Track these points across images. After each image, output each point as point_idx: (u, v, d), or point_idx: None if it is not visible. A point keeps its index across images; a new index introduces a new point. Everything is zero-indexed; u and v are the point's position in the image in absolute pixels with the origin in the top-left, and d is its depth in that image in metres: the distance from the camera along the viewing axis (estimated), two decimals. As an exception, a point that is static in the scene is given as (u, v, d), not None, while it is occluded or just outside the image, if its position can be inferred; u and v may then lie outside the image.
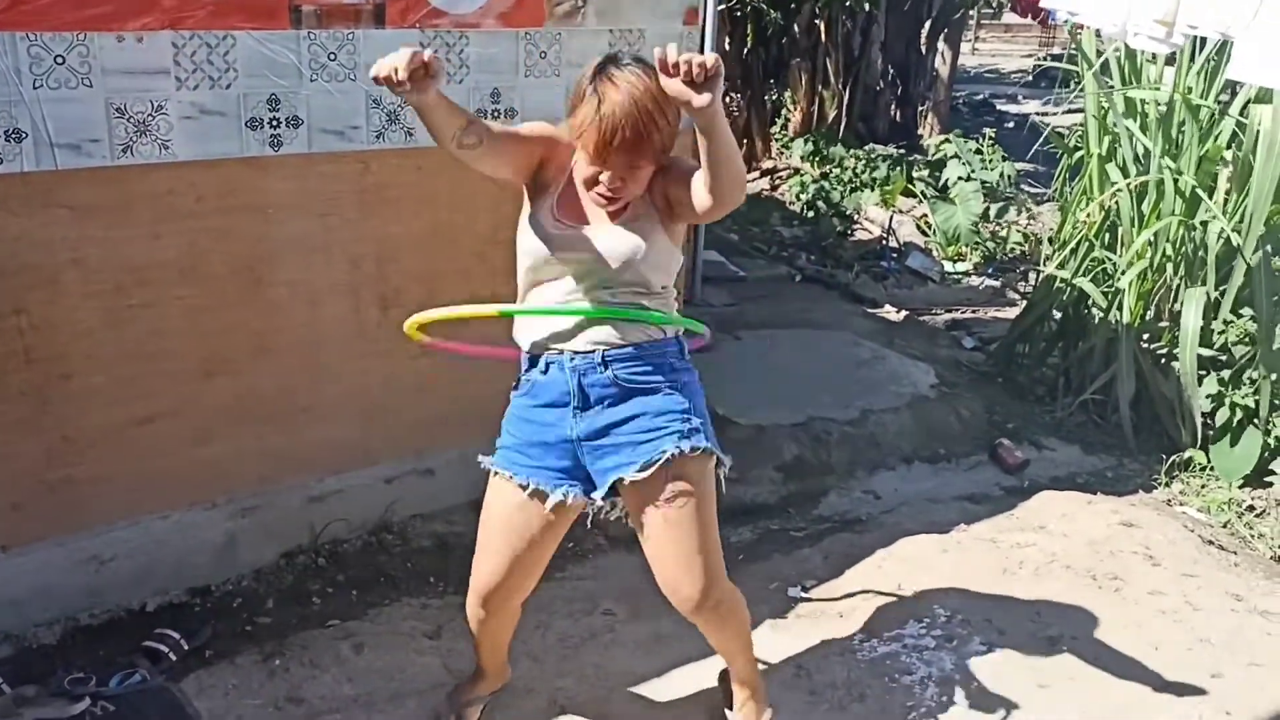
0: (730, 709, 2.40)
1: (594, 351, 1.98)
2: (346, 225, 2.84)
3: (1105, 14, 3.60)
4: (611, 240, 1.96)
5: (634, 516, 2.07)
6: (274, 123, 2.65)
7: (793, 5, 7.74)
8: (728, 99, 8.60)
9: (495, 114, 2.98)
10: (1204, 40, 4.06)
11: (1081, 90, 4.59)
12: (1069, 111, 10.10)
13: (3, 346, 2.42)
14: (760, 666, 2.46)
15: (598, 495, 2.05)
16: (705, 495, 2.03)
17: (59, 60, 2.33)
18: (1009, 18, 16.16)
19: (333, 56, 2.68)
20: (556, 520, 2.09)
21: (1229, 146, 4.13)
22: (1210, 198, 4.03)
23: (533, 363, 2.06)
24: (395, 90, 1.68)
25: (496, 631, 2.30)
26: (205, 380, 2.72)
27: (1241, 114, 4.10)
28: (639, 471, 1.99)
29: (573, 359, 1.99)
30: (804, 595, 2.98)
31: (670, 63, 1.60)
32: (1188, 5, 3.24)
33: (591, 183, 1.92)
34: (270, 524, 2.90)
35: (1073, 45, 5.09)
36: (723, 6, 6.42)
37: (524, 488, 2.07)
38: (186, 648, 2.56)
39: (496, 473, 2.12)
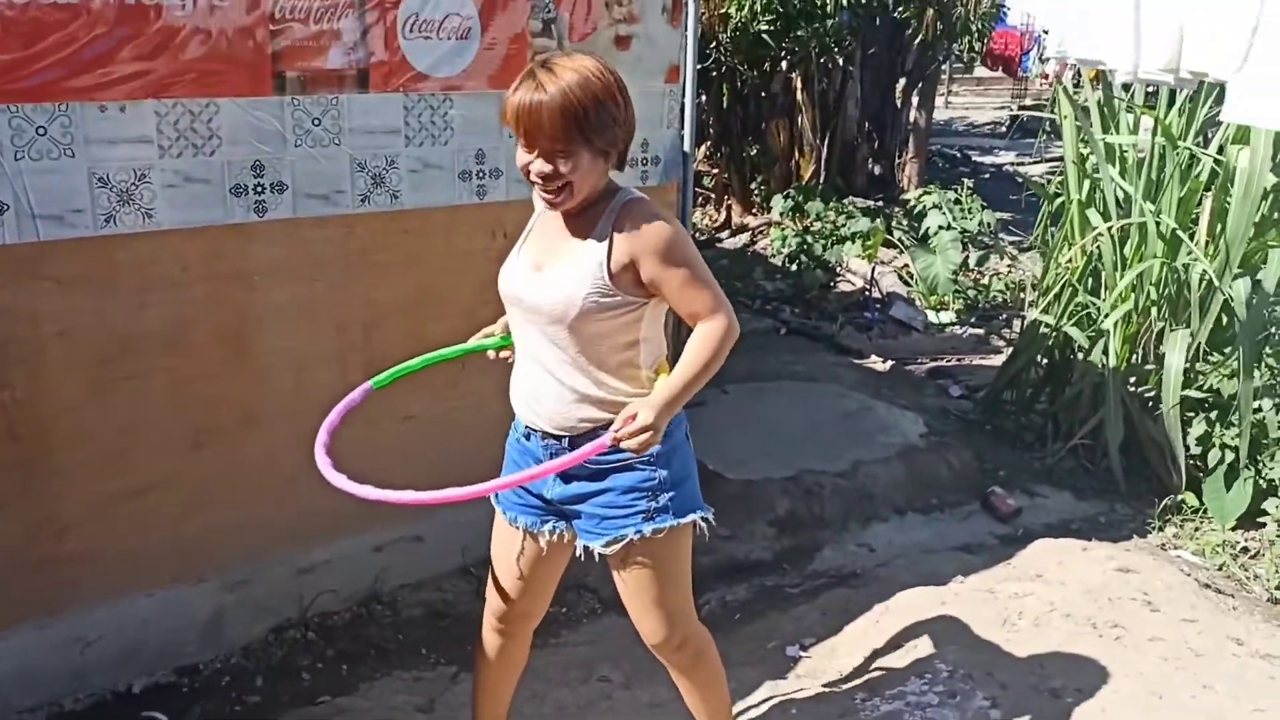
0: None
1: (563, 438, 1.96)
2: (333, 291, 2.83)
3: (1118, 58, 3.69)
4: (546, 287, 1.89)
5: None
6: (258, 189, 2.64)
7: (766, 66, 7.87)
8: (710, 153, 8.71)
9: (480, 174, 2.99)
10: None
11: (1058, 139, 4.65)
12: (1043, 160, 10.27)
13: (-16, 423, 2.38)
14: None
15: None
16: (667, 562, 2.02)
17: (40, 131, 2.32)
18: (980, 71, 16.42)
19: (316, 122, 2.69)
20: (554, 548, 2.10)
21: (1207, 188, 4.18)
22: (1191, 239, 4.07)
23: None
24: None
25: (502, 676, 2.27)
26: (193, 451, 2.68)
27: (1219, 155, 4.15)
28: (604, 547, 2.00)
29: (544, 440, 1.99)
30: (803, 654, 2.93)
31: (614, 440, 1.79)
32: (1188, 53, 3.33)
33: (526, 173, 1.85)
34: (258, 598, 2.84)
35: (1047, 96, 5.17)
36: (700, 66, 6.50)
37: (514, 524, 2.09)
38: (173, 729, 2.49)
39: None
